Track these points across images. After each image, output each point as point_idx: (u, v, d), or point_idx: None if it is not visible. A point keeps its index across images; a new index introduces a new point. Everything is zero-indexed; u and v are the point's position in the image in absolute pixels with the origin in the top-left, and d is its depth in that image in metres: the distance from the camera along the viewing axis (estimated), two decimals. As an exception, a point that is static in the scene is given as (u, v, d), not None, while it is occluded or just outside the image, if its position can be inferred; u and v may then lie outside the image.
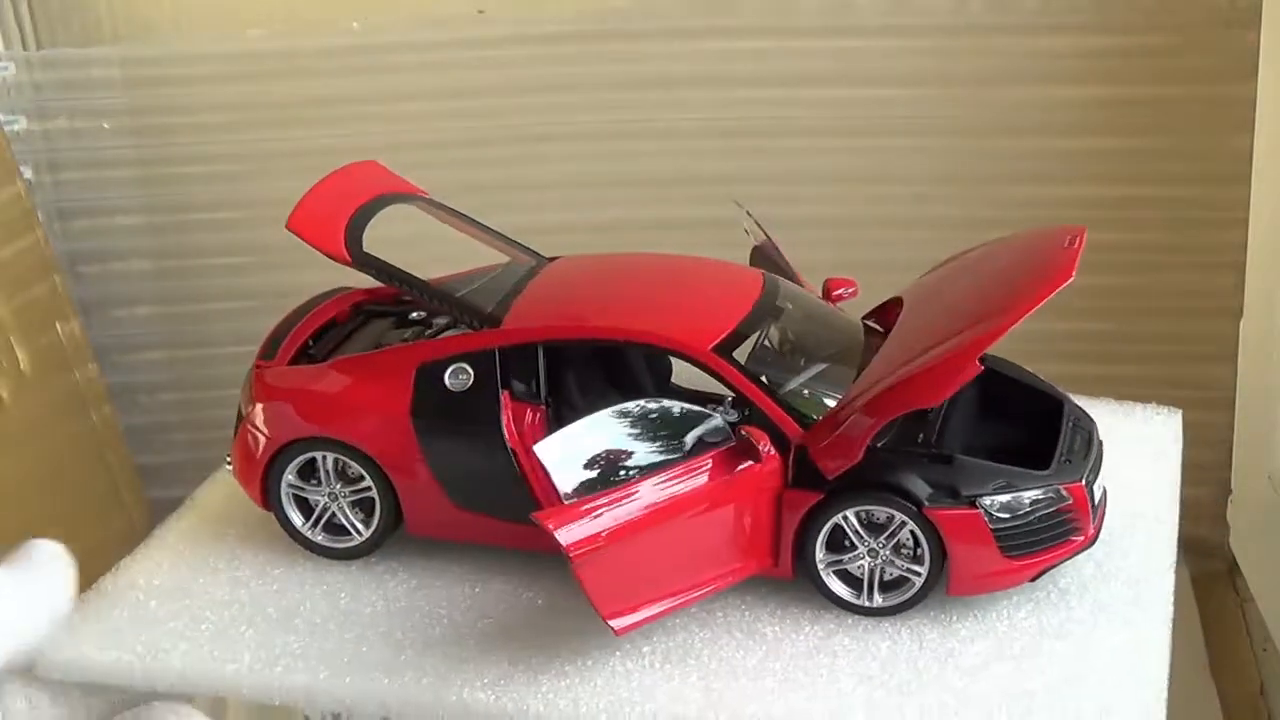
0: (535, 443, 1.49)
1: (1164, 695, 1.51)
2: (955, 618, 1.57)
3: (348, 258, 1.59)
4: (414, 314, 1.72)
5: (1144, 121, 2.54)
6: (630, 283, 1.67)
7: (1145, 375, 2.70)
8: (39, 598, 1.23)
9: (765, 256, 1.86)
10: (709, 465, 1.49)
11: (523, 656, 1.52)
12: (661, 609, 1.47)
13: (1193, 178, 2.56)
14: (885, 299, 1.84)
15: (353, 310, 1.79)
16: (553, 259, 1.79)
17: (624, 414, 1.50)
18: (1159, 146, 2.55)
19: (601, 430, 1.48)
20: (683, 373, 1.75)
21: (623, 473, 1.47)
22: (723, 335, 1.56)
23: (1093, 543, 1.59)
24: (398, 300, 1.77)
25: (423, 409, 1.56)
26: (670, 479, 1.46)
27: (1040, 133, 2.57)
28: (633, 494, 1.44)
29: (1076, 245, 1.57)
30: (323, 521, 1.66)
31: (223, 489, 1.84)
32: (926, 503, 1.50)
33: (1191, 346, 2.66)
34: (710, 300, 1.64)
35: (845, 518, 1.53)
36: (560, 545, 1.39)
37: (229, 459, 1.70)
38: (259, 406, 1.64)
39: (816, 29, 2.55)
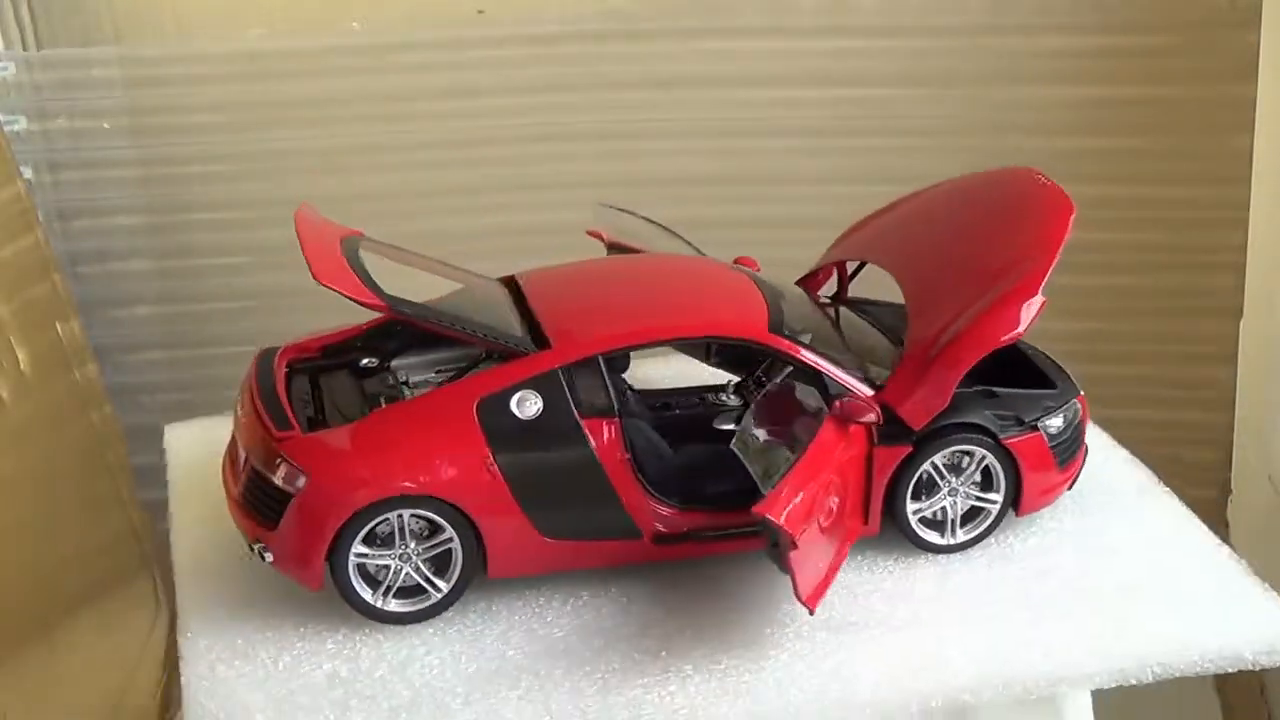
0: (618, 454, 1.49)
1: (1225, 549, 1.75)
2: (1019, 539, 1.67)
3: (382, 304, 1.52)
4: (364, 361, 1.63)
5: (1144, 121, 2.54)
6: (644, 285, 1.66)
7: (1145, 375, 2.71)
8: None
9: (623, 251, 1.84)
10: (835, 436, 1.51)
11: (704, 663, 1.47)
12: (829, 582, 1.49)
13: (1193, 178, 2.56)
14: (880, 297, 1.84)
15: (288, 370, 1.66)
16: (509, 277, 1.72)
17: (769, 399, 1.54)
18: (1159, 146, 2.55)
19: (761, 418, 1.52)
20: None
21: (788, 455, 1.48)
22: (767, 318, 1.58)
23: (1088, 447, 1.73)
24: (324, 351, 1.68)
25: (501, 444, 1.49)
26: (817, 454, 1.48)
27: (1040, 133, 2.57)
28: (809, 473, 1.46)
29: (1049, 181, 1.73)
30: (394, 588, 1.53)
31: (198, 571, 1.67)
32: (1001, 434, 1.61)
33: (1191, 346, 2.66)
34: (725, 290, 1.66)
35: (933, 464, 1.60)
36: (786, 533, 1.40)
37: (263, 550, 1.52)
38: (312, 481, 1.48)
39: (816, 29, 2.55)
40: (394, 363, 1.62)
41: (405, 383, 1.61)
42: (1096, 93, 2.53)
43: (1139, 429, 2.74)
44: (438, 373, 1.61)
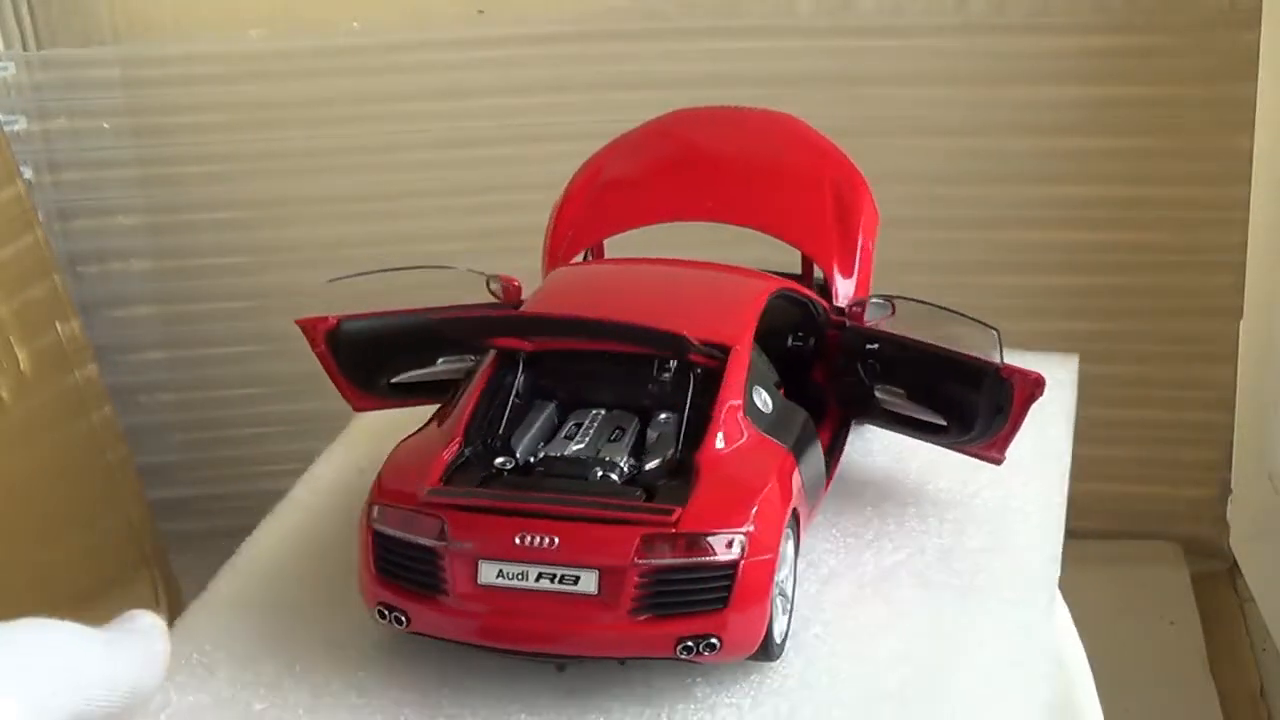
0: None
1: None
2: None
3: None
4: (499, 461, 1.38)
5: (1144, 121, 2.54)
6: (655, 278, 1.63)
7: (1145, 375, 2.71)
8: (127, 665, 1.16)
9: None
10: None
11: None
12: None
13: (1193, 178, 2.56)
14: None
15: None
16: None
17: None
18: (1159, 146, 2.55)
19: None
20: None
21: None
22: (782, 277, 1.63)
23: None
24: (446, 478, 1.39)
25: (781, 439, 1.43)
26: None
27: (1040, 133, 2.57)
28: None
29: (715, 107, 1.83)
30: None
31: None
32: None
33: (1191, 346, 2.66)
34: (709, 265, 1.66)
35: None
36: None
37: (707, 644, 1.31)
38: (751, 537, 1.33)
39: (816, 29, 2.55)
40: (519, 453, 1.40)
41: (592, 458, 1.40)
42: (1096, 93, 2.53)
43: (1139, 429, 2.76)
44: (570, 438, 1.41)
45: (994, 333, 1.50)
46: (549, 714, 1.29)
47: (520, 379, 1.43)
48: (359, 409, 1.59)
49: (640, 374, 1.44)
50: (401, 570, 1.31)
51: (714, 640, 1.29)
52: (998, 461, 1.49)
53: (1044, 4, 2.50)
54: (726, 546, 1.29)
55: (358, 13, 2.60)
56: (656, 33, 2.57)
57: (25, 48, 2.66)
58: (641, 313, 1.45)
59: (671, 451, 1.37)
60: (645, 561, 1.27)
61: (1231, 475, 2.64)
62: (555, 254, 1.74)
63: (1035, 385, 1.44)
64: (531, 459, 1.36)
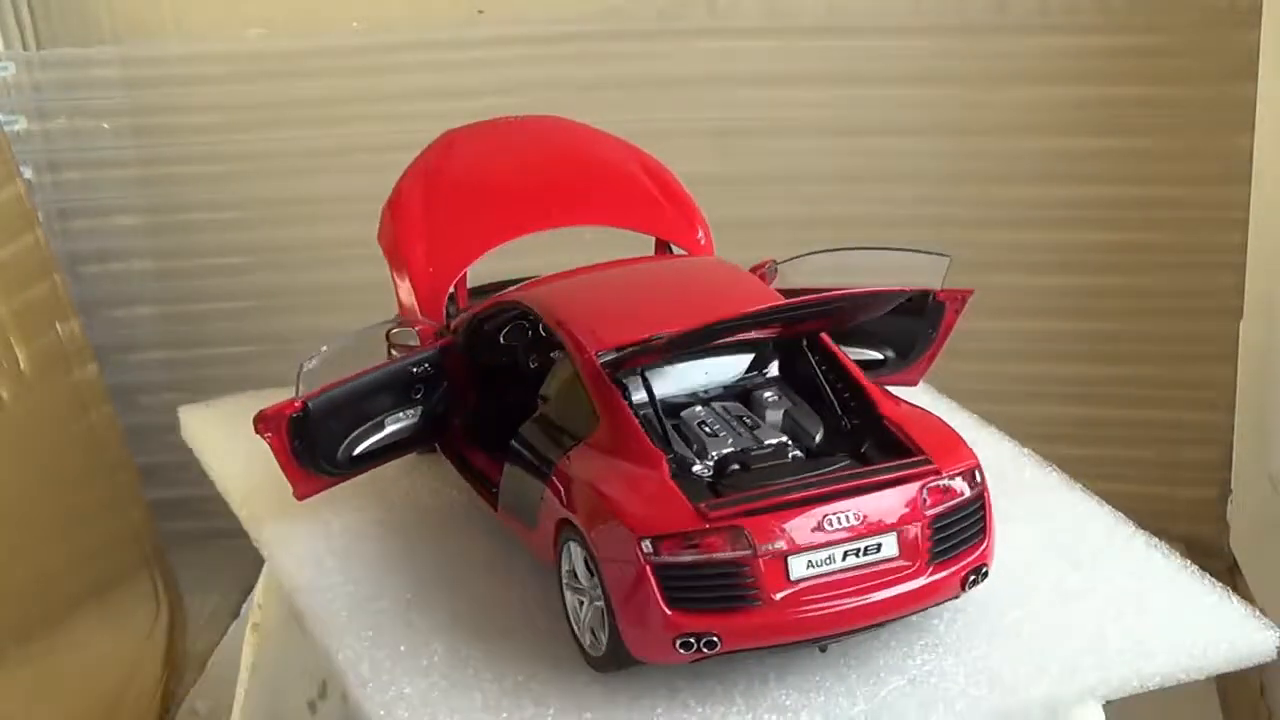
0: None
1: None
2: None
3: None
4: (696, 468, 1.38)
5: (1144, 121, 2.54)
6: (690, 273, 1.66)
7: (1145, 375, 2.71)
8: None
9: None
10: None
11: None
12: None
13: (1193, 178, 2.56)
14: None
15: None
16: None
17: None
18: (1159, 146, 2.55)
19: None
20: None
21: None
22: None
23: None
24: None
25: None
26: None
27: (1040, 133, 2.57)
28: None
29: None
30: None
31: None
32: None
33: (1191, 346, 2.66)
34: (686, 257, 1.74)
35: None
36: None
37: (984, 575, 1.38)
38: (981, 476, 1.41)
39: (816, 29, 2.55)
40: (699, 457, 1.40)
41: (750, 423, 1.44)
42: (1096, 93, 2.53)
43: (1139, 429, 2.76)
44: (714, 435, 1.42)
45: (946, 259, 1.59)
46: (845, 688, 1.34)
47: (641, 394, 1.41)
48: (303, 496, 1.55)
49: (724, 364, 1.49)
50: (702, 594, 1.28)
51: (986, 569, 1.36)
52: (914, 383, 1.59)
53: (1044, 4, 2.50)
54: (977, 479, 1.36)
55: (358, 13, 2.60)
56: (656, 33, 2.57)
57: (25, 48, 2.66)
58: (732, 304, 1.45)
59: (834, 420, 1.42)
60: (934, 510, 1.32)
61: (1231, 475, 2.64)
62: (424, 293, 1.69)
63: (963, 301, 1.54)
64: (711, 461, 1.37)
